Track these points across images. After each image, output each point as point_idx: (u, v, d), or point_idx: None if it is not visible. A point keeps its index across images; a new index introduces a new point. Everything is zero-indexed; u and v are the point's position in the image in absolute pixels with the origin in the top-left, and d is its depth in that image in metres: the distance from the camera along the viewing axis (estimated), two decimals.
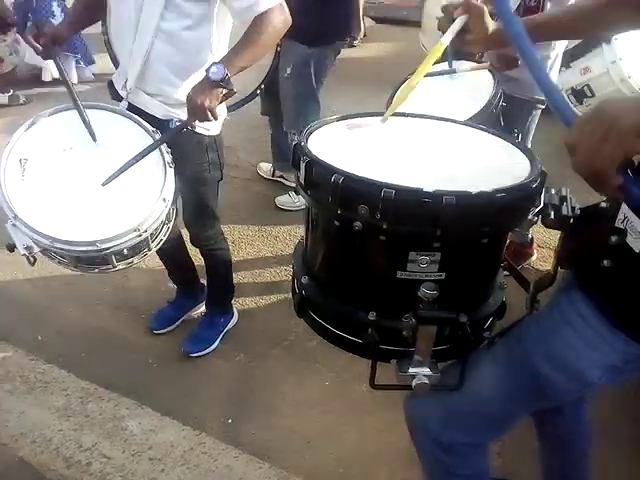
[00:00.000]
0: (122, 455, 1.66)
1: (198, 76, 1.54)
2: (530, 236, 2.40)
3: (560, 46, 2.00)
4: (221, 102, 1.48)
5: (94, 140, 1.47)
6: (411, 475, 1.56)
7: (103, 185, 1.39)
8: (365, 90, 4.36)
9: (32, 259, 1.34)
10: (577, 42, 2.08)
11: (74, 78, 4.53)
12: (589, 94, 2.07)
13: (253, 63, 1.50)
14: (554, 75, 2.08)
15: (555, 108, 0.67)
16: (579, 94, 2.08)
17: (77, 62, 4.64)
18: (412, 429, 1.10)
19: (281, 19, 1.47)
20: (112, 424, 1.75)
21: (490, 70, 1.84)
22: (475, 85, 1.77)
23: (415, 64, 2.08)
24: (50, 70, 4.44)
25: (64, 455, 1.65)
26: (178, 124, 1.56)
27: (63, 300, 2.30)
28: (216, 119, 1.49)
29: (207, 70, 1.40)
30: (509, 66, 1.83)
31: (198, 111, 1.44)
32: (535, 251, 2.50)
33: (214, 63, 1.42)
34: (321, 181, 0.85)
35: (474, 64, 1.85)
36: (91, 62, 4.67)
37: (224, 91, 1.44)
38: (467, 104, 1.59)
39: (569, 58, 2.08)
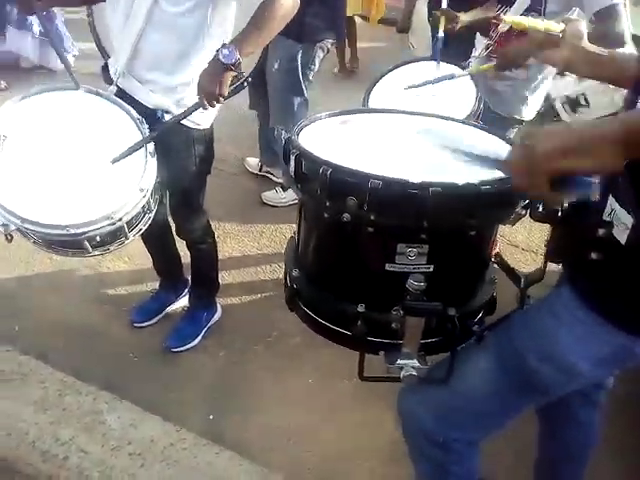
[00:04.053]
0: (100, 450, 1.63)
1: (189, 65, 1.52)
2: None
3: (548, 71, 1.99)
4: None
5: (77, 87, 1.46)
6: (390, 471, 1.57)
7: (112, 163, 1.38)
8: (349, 87, 4.36)
9: (9, 237, 1.33)
10: None
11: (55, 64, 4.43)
12: (584, 103, 2.09)
13: (261, 47, 1.47)
14: (543, 90, 2.08)
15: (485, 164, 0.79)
16: (574, 103, 2.11)
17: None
18: (405, 425, 1.10)
19: (290, 2, 1.42)
20: (90, 418, 1.72)
21: (476, 84, 1.83)
22: (456, 99, 1.76)
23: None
24: (29, 57, 4.36)
25: (40, 449, 1.62)
26: (171, 115, 1.53)
27: (42, 291, 2.25)
28: (216, 104, 1.44)
29: (218, 52, 1.35)
30: (513, 66, 1.82)
31: (209, 97, 1.39)
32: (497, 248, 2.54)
33: (224, 45, 1.36)
34: (310, 174, 0.86)
35: (478, 67, 1.82)
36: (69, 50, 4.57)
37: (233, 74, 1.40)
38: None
39: None
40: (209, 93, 1.39)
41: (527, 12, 1.90)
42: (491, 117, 1.91)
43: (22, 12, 1.61)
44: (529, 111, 2.07)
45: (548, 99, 2.15)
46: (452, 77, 1.73)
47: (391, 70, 1.95)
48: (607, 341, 0.84)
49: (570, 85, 2.08)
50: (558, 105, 2.14)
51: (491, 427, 1.07)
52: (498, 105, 1.91)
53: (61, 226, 1.30)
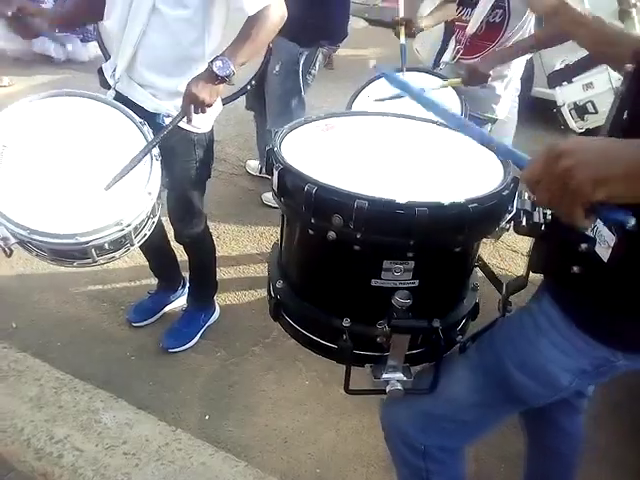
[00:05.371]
0: (95, 448, 1.62)
1: (189, 69, 1.51)
2: None
3: (516, 67, 2.01)
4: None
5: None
6: (388, 478, 1.56)
7: (106, 189, 1.34)
8: (343, 86, 4.36)
9: (8, 251, 1.29)
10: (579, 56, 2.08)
11: (82, 56, 4.60)
12: (592, 110, 2.07)
13: (251, 58, 1.48)
14: (509, 94, 2.08)
15: (506, 158, 0.70)
16: (581, 110, 2.09)
17: (82, 40, 4.55)
18: (388, 435, 1.11)
19: (278, 14, 1.44)
20: (86, 416, 1.72)
21: (454, 88, 1.83)
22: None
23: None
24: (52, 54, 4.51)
25: (35, 446, 1.61)
26: (171, 119, 1.53)
27: (40, 288, 2.25)
28: (204, 112, 1.46)
29: (211, 63, 1.37)
30: (480, 81, 1.83)
31: (195, 104, 1.41)
32: None
33: (218, 57, 1.38)
34: (294, 190, 0.84)
35: (444, 81, 1.83)
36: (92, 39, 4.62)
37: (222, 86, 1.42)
38: None
39: (571, 73, 2.08)
40: (196, 100, 1.40)
41: (492, 10, 1.90)
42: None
43: (23, 37, 1.58)
44: (502, 109, 2.07)
45: (556, 106, 2.13)
46: (422, 91, 1.72)
47: (378, 78, 1.94)
48: (588, 353, 0.83)
49: (577, 92, 2.07)
50: (566, 112, 2.12)
51: (473, 435, 1.07)
52: (472, 106, 1.91)
53: (70, 235, 1.27)
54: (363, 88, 1.93)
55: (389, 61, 2.06)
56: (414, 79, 1.90)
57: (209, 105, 1.43)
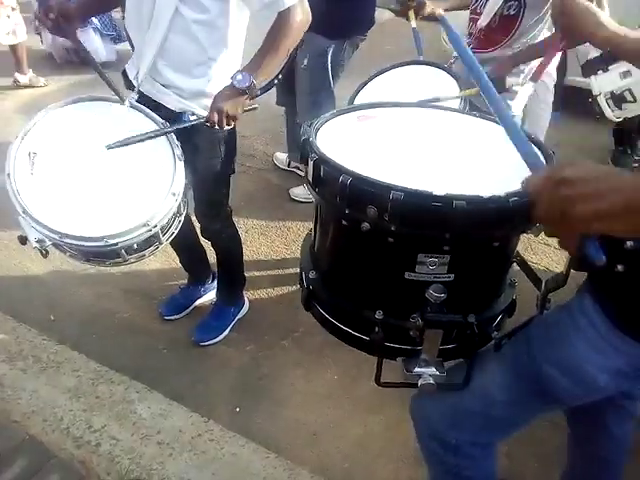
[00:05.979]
0: (131, 438, 1.68)
1: (210, 70, 1.54)
2: None
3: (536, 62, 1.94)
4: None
5: (122, 102, 1.47)
6: (417, 473, 1.56)
7: (108, 148, 1.38)
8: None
9: (45, 252, 1.34)
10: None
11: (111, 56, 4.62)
12: (630, 99, 1.99)
13: (277, 66, 1.50)
14: (526, 89, 1.99)
15: (524, 158, 0.68)
16: (619, 99, 2.01)
17: (113, 41, 4.64)
18: (418, 428, 1.11)
19: (303, 16, 1.45)
20: (122, 407, 1.78)
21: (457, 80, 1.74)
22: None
23: (434, 58, 2.04)
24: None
25: (74, 435, 1.68)
26: (192, 118, 1.55)
27: (76, 282, 2.33)
28: (229, 125, 1.49)
29: (232, 78, 1.41)
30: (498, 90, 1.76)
31: (219, 117, 1.45)
32: None
33: (239, 71, 1.43)
34: (329, 180, 0.84)
35: (460, 92, 1.74)
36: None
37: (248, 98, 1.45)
38: None
39: (607, 61, 2.00)
40: (221, 113, 1.44)
41: (506, 2, 1.82)
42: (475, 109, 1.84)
43: (57, 35, 1.62)
44: (517, 105, 1.99)
45: (591, 95, 2.05)
46: (437, 100, 1.63)
47: (387, 70, 1.88)
48: (626, 354, 0.81)
49: (614, 81, 1.98)
50: (602, 102, 2.03)
51: (505, 431, 1.05)
52: (480, 103, 1.85)
53: (99, 238, 1.31)
54: (370, 80, 1.90)
55: (411, 53, 2.02)
56: (422, 74, 1.85)
57: (234, 116, 1.47)
